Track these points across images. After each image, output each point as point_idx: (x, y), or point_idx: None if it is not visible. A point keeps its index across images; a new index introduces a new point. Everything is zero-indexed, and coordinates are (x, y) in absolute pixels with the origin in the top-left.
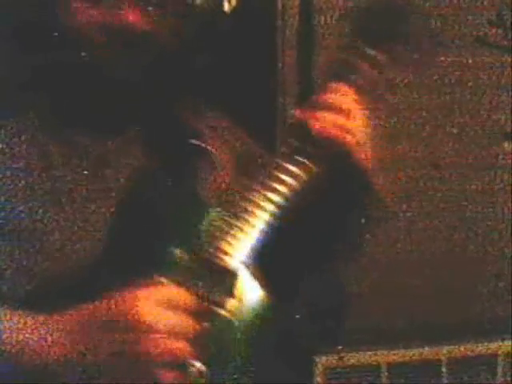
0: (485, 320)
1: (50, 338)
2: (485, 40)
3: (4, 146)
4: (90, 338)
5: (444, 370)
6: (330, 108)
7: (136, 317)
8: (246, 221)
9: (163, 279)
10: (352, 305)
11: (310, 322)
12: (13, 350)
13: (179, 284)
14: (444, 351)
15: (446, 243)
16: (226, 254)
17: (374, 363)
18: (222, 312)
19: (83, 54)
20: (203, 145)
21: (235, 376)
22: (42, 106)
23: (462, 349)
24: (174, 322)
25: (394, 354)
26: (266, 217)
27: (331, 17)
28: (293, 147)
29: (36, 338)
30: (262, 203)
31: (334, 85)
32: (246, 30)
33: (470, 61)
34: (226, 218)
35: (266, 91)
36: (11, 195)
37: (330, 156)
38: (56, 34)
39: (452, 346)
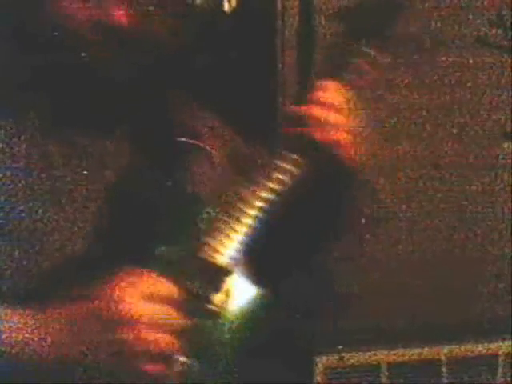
0: (485, 320)
1: (35, 332)
2: (485, 40)
3: (4, 146)
4: (73, 330)
5: (444, 370)
6: (321, 105)
7: (119, 308)
8: (238, 218)
9: (148, 272)
10: (345, 304)
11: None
12: (4, 346)
13: (168, 279)
14: (444, 351)
15: (446, 243)
16: (216, 251)
17: (374, 363)
18: (211, 308)
19: (83, 54)
20: (196, 143)
21: (226, 372)
22: (42, 105)
23: (462, 349)
24: (159, 313)
25: (394, 354)
26: (256, 214)
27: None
28: (284, 145)
29: (22, 332)
30: (253, 201)
31: (325, 82)
32: (246, 30)
33: (470, 61)
34: (218, 215)
35: (265, 91)
36: (11, 195)
37: (319, 153)
38: (56, 33)
39: (452, 346)
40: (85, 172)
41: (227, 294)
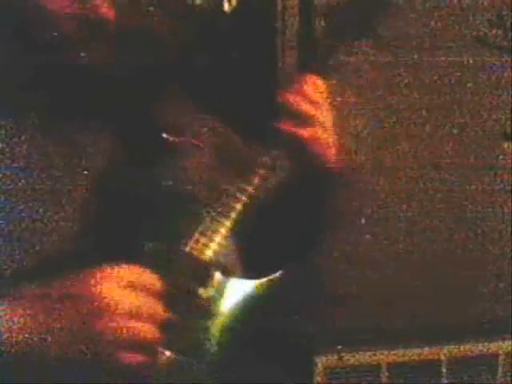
0: (485, 320)
1: (13, 319)
2: (485, 40)
3: (4, 146)
4: (50, 319)
5: (444, 370)
6: (298, 96)
7: (96, 297)
8: (225, 213)
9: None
10: (345, 304)
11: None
12: None
13: (155, 274)
14: (444, 351)
15: (446, 243)
16: (204, 246)
17: (374, 363)
18: (199, 303)
19: (83, 54)
20: (184, 139)
21: (214, 369)
22: (41, 105)
23: (461, 349)
24: (138, 303)
25: (394, 354)
26: (244, 210)
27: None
28: (269, 140)
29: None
30: (241, 196)
31: (305, 76)
32: (246, 30)
33: (470, 61)
34: (205, 210)
35: (265, 91)
36: (11, 195)
37: (296, 146)
38: (55, 34)
39: (452, 346)
40: (85, 172)
41: (215, 290)
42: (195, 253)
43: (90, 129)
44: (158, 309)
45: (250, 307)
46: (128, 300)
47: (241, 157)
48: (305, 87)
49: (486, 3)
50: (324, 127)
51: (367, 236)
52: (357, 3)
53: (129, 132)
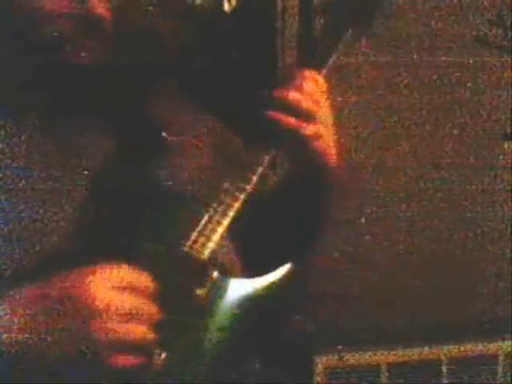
0: (485, 320)
1: (13, 319)
2: (485, 40)
3: (4, 146)
4: (41, 320)
5: (444, 370)
6: (297, 92)
7: (87, 298)
8: (223, 213)
9: (123, 264)
10: (345, 304)
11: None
12: None
13: (151, 273)
14: (444, 351)
15: (446, 243)
16: (201, 245)
17: (374, 363)
18: (195, 301)
19: (83, 54)
20: (183, 138)
21: (211, 369)
22: (41, 105)
23: (461, 349)
24: (133, 305)
25: (394, 354)
26: (242, 208)
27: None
28: (268, 138)
29: None
30: (239, 195)
31: (302, 71)
32: (246, 30)
33: (470, 61)
34: (204, 210)
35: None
36: (11, 195)
37: (296, 144)
38: (56, 34)
39: (452, 346)
40: (85, 172)
41: (213, 289)
42: (193, 252)
43: (90, 129)
44: (153, 310)
45: (249, 307)
46: (123, 301)
47: (240, 156)
48: (305, 84)
49: (485, 3)
50: (324, 124)
51: (367, 236)
52: None
53: (128, 132)
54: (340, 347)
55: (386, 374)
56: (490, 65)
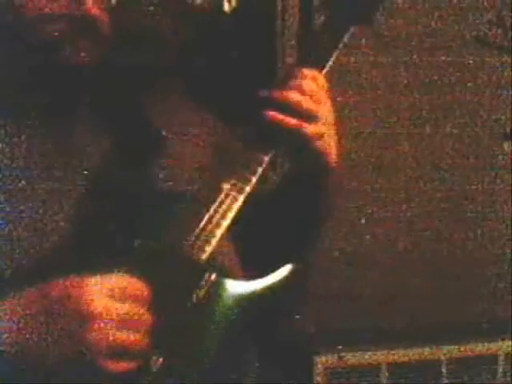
0: (485, 320)
1: (13, 319)
2: (485, 40)
3: (4, 146)
4: (40, 321)
5: (444, 370)
6: (298, 92)
7: (83, 305)
8: (223, 214)
9: (120, 270)
10: (345, 304)
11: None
12: None
13: (148, 274)
14: (444, 351)
15: (446, 243)
16: (200, 246)
17: (374, 363)
18: (194, 303)
19: (82, 54)
20: (183, 137)
21: (209, 370)
22: (41, 105)
23: (461, 349)
24: (126, 312)
25: (394, 354)
26: (241, 209)
27: None
28: (263, 135)
29: None
30: (238, 196)
31: (303, 71)
32: (246, 30)
33: (470, 61)
34: (203, 210)
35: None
36: (11, 195)
37: (293, 143)
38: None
39: (452, 346)
40: (85, 172)
41: (211, 291)
42: (193, 254)
43: (89, 129)
44: (149, 317)
45: (249, 308)
46: (119, 308)
47: (240, 156)
48: (305, 83)
49: (485, 3)
50: (325, 124)
51: (367, 236)
52: None
53: (128, 132)
54: (340, 347)
55: (386, 374)
56: (490, 65)
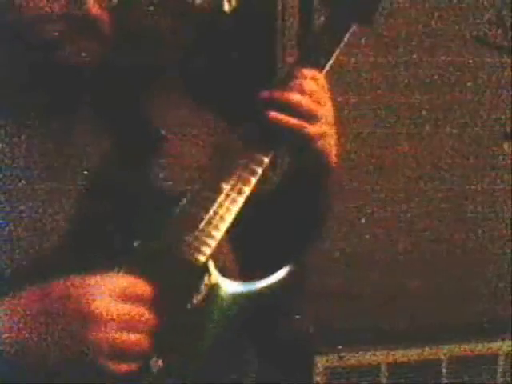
0: (485, 320)
1: (13, 319)
2: (485, 40)
3: (4, 146)
4: (36, 325)
5: (444, 370)
6: (298, 92)
7: (84, 305)
8: (221, 215)
9: (120, 270)
10: (345, 304)
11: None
12: None
13: (147, 276)
14: (444, 351)
15: (446, 243)
16: (199, 247)
17: (374, 363)
18: (193, 305)
19: (83, 54)
20: (178, 139)
21: (208, 372)
22: (41, 105)
23: (461, 349)
24: (127, 312)
25: (394, 354)
26: (240, 210)
27: None
28: (263, 136)
29: None
30: (238, 197)
31: (303, 71)
32: (246, 30)
33: (470, 61)
34: (197, 210)
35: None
36: (11, 195)
37: (294, 143)
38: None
39: (452, 346)
40: (85, 172)
41: (210, 292)
42: (191, 255)
43: (89, 129)
44: (150, 318)
45: (248, 310)
46: (120, 309)
47: (239, 156)
48: (305, 83)
49: (485, 3)
50: (326, 124)
51: (367, 236)
52: None
53: (128, 132)
54: (340, 347)
55: (386, 373)
56: (490, 65)
